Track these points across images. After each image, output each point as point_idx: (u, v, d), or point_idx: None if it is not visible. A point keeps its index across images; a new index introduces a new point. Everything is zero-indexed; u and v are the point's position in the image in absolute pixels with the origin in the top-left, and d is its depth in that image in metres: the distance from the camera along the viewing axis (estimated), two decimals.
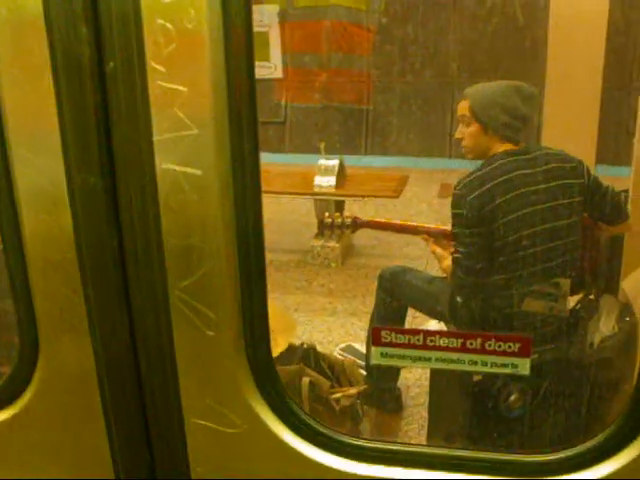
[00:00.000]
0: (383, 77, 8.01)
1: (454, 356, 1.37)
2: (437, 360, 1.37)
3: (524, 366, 1.35)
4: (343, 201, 5.81)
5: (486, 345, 1.34)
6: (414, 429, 3.63)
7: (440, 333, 1.35)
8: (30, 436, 1.54)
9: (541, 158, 2.87)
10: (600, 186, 2.95)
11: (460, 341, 1.35)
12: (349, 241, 5.71)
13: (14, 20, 1.20)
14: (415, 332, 1.36)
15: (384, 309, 3.46)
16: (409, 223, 3.47)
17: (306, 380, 3.35)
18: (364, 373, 3.71)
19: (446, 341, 1.35)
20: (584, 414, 2.90)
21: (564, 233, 2.88)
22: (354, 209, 5.59)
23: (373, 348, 1.40)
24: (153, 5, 1.16)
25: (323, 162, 5.53)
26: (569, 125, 3.77)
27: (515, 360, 1.36)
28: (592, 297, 3.10)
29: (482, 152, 2.90)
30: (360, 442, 1.42)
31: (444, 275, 3.20)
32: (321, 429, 1.40)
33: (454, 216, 2.87)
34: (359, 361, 3.94)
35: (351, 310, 4.86)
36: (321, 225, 3.80)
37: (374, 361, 1.40)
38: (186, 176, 1.24)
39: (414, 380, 3.94)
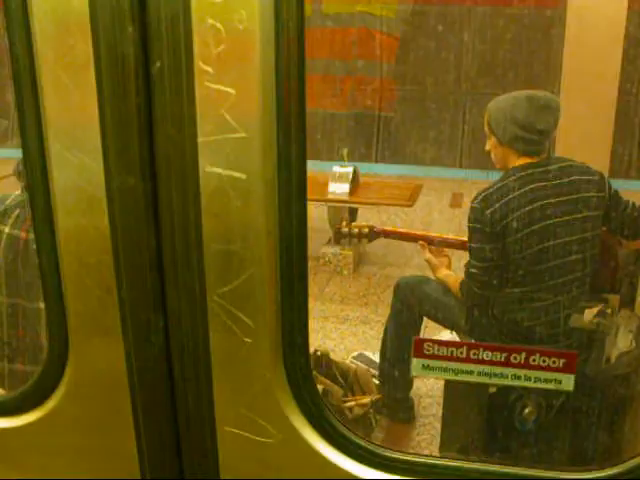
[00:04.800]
0: (398, 85, 8.00)
1: (497, 370, 1.34)
2: (479, 374, 1.35)
3: (568, 382, 1.33)
4: (356, 208, 5.79)
5: (530, 360, 1.32)
6: (426, 439, 3.60)
7: (484, 346, 1.32)
8: (58, 439, 1.52)
9: (561, 170, 2.85)
10: (620, 200, 2.94)
11: (504, 355, 1.32)
12: (362, 248, 5.68)
13: (58, 17, 1.18)
14: (458, 345, 1.34)
15: (400, 318, 3.44)
16: (427, 233, 3.45)
17: (319, 388, 3.32)
18: (377, 382, 3.69)
19: (489, 355, 1.33)
20: (600, 429, 2.88)
21: (583, 246, 2.86)
22: (367, 216, 5.57)
23: (414, 360, 1.37)
24: (203, 5, 1.14)
25: (337, 169, 5.51)
26: (582, 137, 3.75)
27: (559, 376, 1.33)
28: (609, 311, 3.08)
29: (503, 163, 2.90)
30: (403, 456, 1.38)
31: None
32: (360, 442, 1.37)
33: (471, 230, 2.85)
34: (372, 369, 3.92)
35: (363, 318, 4.84)
36: (337, 234, 3.78)
37: (415, 373, 1.38)
38: (231, 180, 1.21)
39: (426, 390, 3.91)
